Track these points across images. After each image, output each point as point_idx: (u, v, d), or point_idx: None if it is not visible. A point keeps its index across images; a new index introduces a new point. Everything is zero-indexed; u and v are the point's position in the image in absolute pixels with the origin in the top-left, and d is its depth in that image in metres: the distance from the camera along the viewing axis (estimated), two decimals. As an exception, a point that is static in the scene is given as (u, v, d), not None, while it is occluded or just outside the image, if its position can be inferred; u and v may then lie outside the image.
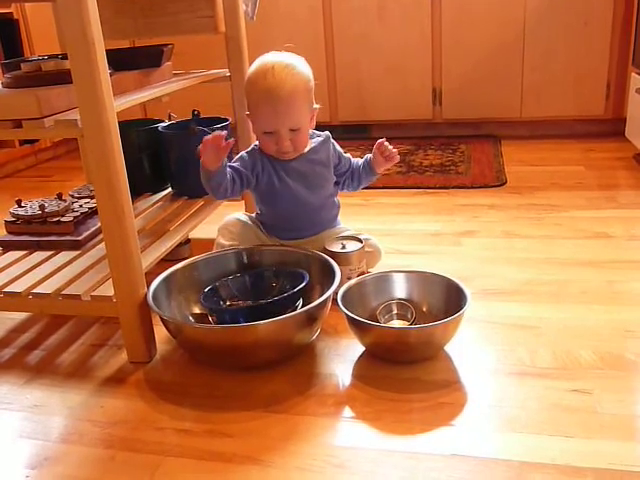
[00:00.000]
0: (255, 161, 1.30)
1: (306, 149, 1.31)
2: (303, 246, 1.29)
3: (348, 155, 1.40)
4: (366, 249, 1.31)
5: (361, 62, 2.68)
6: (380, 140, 1.33)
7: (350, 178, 1.39)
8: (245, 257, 1.28)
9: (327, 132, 1.37)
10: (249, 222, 1.36)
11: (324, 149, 1.34)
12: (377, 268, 1.37)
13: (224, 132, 1.18)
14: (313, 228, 1.36)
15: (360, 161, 1.40)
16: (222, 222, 1.37)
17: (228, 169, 1.25)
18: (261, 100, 1.22)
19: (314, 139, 1.34)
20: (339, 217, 1.43)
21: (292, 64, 1.24)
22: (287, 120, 1.23)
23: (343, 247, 1.28)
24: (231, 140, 1.20)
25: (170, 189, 1.64)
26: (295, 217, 1.34)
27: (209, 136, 1.17)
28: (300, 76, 1.23)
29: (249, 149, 1.34)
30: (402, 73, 2.65)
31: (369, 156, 1.37)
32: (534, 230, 1.63)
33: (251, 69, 1.26)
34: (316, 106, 1.30)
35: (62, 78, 1.10)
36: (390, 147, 1.34)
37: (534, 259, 1.45)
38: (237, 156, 1.33)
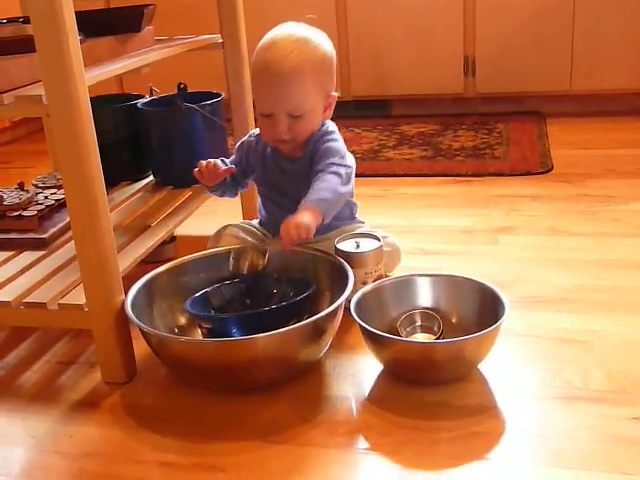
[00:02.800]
0: (247, 154, 1.35)
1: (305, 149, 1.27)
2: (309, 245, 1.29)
3: (322, 164, 1.22)
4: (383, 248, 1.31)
5: (378, 24, 2.68)
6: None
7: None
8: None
9: (324, 129, 1.28)
10: (241, 233, 1.36)
11: (311, 151, 1.27)
12: (397, 271, 1.37)
13: (222, 167, 1.30)
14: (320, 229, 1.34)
15: (312, 188, 1.18)
16: (212, 235, 1.37)
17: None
18: (258, 75, 1.23)
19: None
20: (358, 216, 1.42)
21: (305, 38, 1.21)
22: (284, 102, 1.21)
23: (357, 246, 1.28)
24: (231, 167, 1.29)
25: (152, 177, 1.64)
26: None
27: (204, 164, 1.28)
28: (312, 53, 1.21)
29: (243, 139, 1.38)
30: (427, 38, 2.65)
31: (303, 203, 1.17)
32: (586, 226, 1.62)
33: (262, 40, 1.25)
34: (334, 94, 1.28)
35: (23, 46, 1.10)
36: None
37: (586, 261, 1.44)
38: (236, 147, 1.38)
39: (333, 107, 1.29)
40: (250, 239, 1.35)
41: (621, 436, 0.92)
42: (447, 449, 0.93)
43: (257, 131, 1.35)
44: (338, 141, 1.27)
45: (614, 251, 1.48)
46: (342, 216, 1.36)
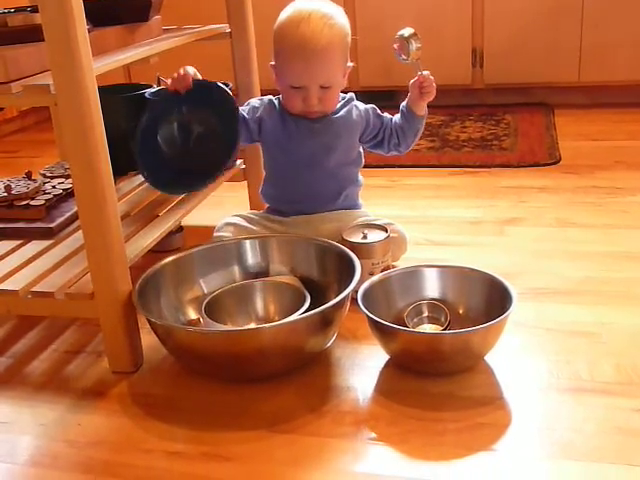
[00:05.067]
0: (262, 107, 1.37)
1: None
2: (316, 235, 1.29)
3: (384, 114, 1.42)
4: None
5: (387, 16, 2.66)
6: (426, 73, 1.34)
7: (390, 135, 1.40)
8: (248, 248, 1.29)
9: (351, 93, 1.41)
10: (244, 223, 1.37)
11: (346, 110, 1.37)
12: (404, 261, 1.37)
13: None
14: (324, 202, 1.39)
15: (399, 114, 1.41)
16: (216, 228, 1.38)
17: None
18: (292, 52, 1.27)
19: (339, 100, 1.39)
20: (360, 200, 1.44)
21: (330, 14, 1.29)
22: (319, 76, 1.28)
23: (364, 237, 1.28)
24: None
25: (159, 167, 1.64)
26: (303, 183, 1.38)
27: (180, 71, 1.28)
28: (337, 28, 1.29)
29: (262, 97, 1.41)
30: (435, 29, 2.64)
31: (404, 101, 1.39)
32: (594, 218, 1.62)
33: (283, 15, 1.30)
34: (350, 64, 1.35)
35: (32, 35, 1.10)
36: (432, 80, 1.34)
37: (594, 252, 1.44)
38: (248, 107, 1.40)
39: (347, 76, 1.36)
40: (256, 228, 1.36)
41: (628, 428, 0.92)
42: (453, 440, 0.93)
43: (267, 98, 1.40)
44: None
45: (622, 243, 1.47)
46: (348, 194, 1.41)
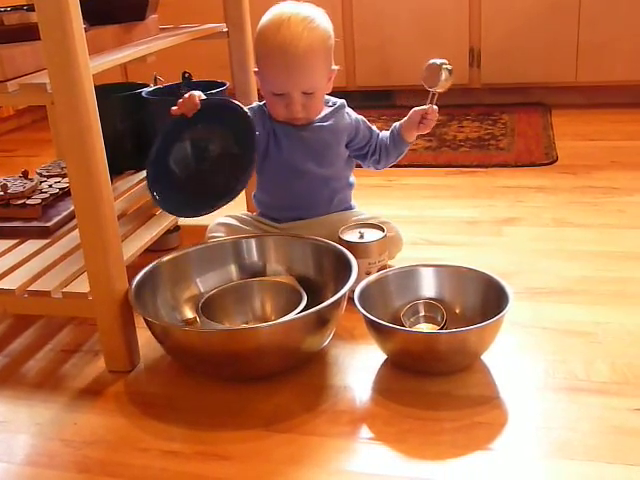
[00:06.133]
0: (254, 116, 1.32)
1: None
2: (312, 235, 1.29)
3: (373, 127, 1.42)
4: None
5: (384, 16, 2.67)
6: (435, 108, 1.33)
7: (374, 150, 1.40)
8: (245, 247, 1.29)
9: (342, 100, 1.39)
10: (237, 223, 1.37)
11: (336, 117, 1.36)
12: (401, 261, 1.37)
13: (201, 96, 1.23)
14: (316, 208, 1.38)
15: (387, 132, 1.41)
16: (208, 229, 1.38)
17: None
18: (272, 57, 1.25)
19: (328, 105, 1.37)
20: (353, 201, 1.44)
21: (310, 17, 1.26)
22: (301, 82, 1.25)
23: (361, 236, 1.28)
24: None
25: (156, 166, 1.64)
26: (294, 191, 1.36)
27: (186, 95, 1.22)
28: (319, 31, 1.26)
29: (252, 105, 1.37)
30: (433, 28, 2.64)
31: (397, 123, 1.38)
32: (591, 217, 1.62)
33: (264, 19, 1.28)
34: (335, 67, 1.33)
35: (28, 34, 1.10)
36: (437, 116, 1.34)
37: (591, 252, 1.44)
38: None
39: (333, 80, 1.34)
40: (248, 229, 1.35)
41: (624, 427, 0.92)
42: (450, 439, 0.93)
43: (256, 105, 1.37)
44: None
45: (619, 243, 1.48)
46: (340, 198, 1.40)
